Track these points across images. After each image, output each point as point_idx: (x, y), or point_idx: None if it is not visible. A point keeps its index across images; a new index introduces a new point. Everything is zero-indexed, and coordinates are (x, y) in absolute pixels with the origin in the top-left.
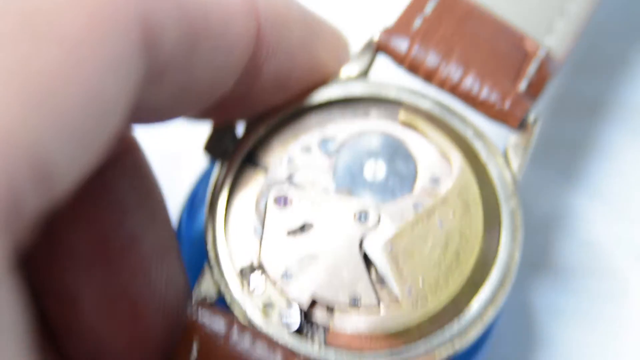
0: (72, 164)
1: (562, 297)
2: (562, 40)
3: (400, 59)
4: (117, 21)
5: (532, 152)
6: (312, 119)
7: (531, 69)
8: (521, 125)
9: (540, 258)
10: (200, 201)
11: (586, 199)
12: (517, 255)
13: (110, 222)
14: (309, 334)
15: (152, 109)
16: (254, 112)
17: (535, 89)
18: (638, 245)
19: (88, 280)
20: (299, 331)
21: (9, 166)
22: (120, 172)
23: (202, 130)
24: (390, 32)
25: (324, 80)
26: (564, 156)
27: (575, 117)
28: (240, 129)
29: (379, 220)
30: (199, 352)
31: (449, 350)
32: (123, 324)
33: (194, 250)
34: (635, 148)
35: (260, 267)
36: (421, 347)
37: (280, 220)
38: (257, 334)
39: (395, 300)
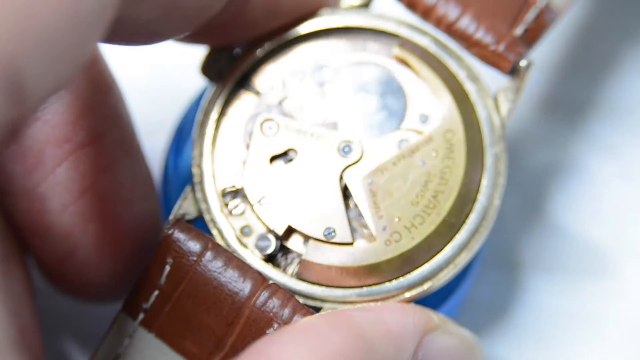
0: (46, 79)
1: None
2: None
3: None
4: None
5: (522, 98)
6: (308, 46)
7: (529, 15)
8: (513, 70)
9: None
10: (189, 132)
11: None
12: (497, 201)
13: (71, 119)
14: (282, 261)
15: (139, 29)
16: (247, 37)
17: (531, 36)
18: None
19: (54, 178)
20: (273, 257)
21: None
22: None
23: (194, 56)
24: None
25: (323, 7)
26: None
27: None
28: (238, 52)
29: (362, 154)
30: (170, 268)
31: (418, 292)
32: (90, 220)
33: (182, 184)
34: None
35: (242, 190)
36: (391, 286)
37: (264, 145)
38: (230, 257)
39: (369, 235)
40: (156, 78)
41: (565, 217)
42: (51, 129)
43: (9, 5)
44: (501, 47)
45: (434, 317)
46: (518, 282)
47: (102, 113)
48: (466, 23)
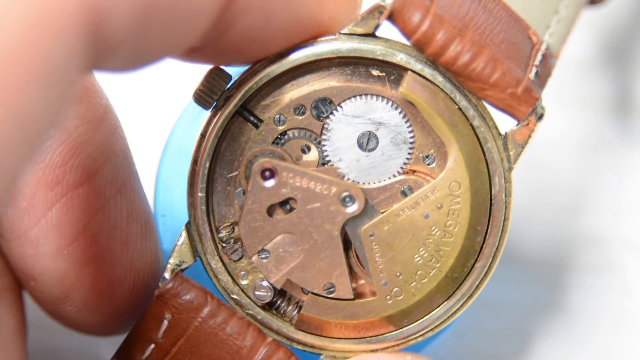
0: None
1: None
2: (558, 39)
3: (409, 31)
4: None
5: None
6: (310, 76)
7: (537, 59)
8: (528, 116)
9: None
10: (180, 151)
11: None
12: (501, 250)
13: (61, 160)
14: (281, 305)
15: (109, 67)
16: (236, 60)
17: (541, 80)
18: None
19: (46, 223)
20: (272, 304)
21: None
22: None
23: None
24: (406, 0)
25: (324, 34)
26: None
27: None
28: (233, 79)
29: (363, 205)
30: (169, 324)
31: (417, 341)
32: (85, 264)
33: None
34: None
35: (240, 240)
36: (390, 337)
37: (263, 194)
38: (230, 313)
39: (370, 290)
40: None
41: None
42: (41, 171)
43: None
44: (520, 91)
45: None
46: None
47: (92, 150)
48: (481, 66)
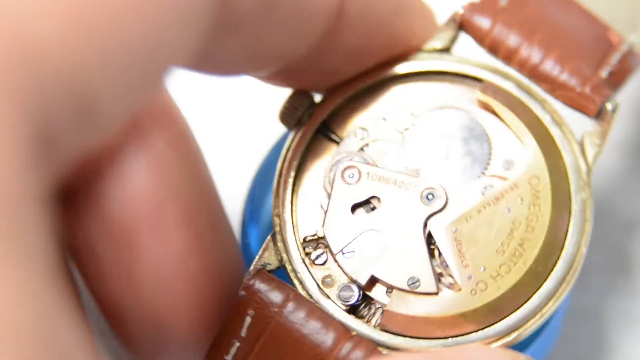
0: (118, 104)
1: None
2: None
3: (481, 37)
4: None
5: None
6: (389, 91)
7: (614, 58)
8: (599, 113)
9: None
10: (268, 180)
11: None
12: (584, 249)
13: (159, 199)
14: (365, 312)
15: (217, 61)
16: (326, 83)
17: (616, 79)
18: None
19: (146, 262)
20: (356, 308)
21: (47, 97)
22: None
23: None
24: (474, 8)
25: (406, 53)
26: None
27: None
28: (317, 99)
29: (446, 202)
30: (252, 320)
31: (504, 342)
32: (184, 305)
33: (262, 233)
34: None
35: (324, 239)
36: (477, 337)
37: (346, 194)
38: (313, 308)
39: (454, 284)
40: (236, 123)
41: None
42: (140, 208)
43: (87, 17)
44: (587, 90)
45: (521, 356)
46: (604, 335)
47: (189, 192)
48: (550, 66)
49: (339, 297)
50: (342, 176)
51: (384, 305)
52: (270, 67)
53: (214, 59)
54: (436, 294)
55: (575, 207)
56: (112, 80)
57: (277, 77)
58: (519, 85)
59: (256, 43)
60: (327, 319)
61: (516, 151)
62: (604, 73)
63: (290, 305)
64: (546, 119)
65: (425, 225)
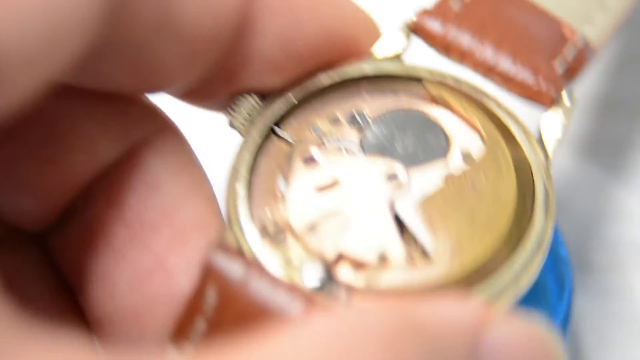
0: (26, 72)
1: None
2: (600, 32)
3: (434, 41)
4: None
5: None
6: (339, 95)
7: (567, 51)
8: (556, 103)
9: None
10: None
11: (634, 196)
12: (550, 231)
13: (139, 199)
14: (332, 293)
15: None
16: (267, 82)
17: (571, 71)
18: None
19: (121, 258)
20: (321, 289)
21: None
22: (153, 151)
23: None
24: (426, 14)
25: (353, 57)
26: (610, 154)
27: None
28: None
29: (409, 180)
30: (215, 297)
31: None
32: (161, 303)
33: None
34: None
35: (285, 222)
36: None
37: (307, 177)
38: (276, 280)
39: (427, 257)
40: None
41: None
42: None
43: None
44: (540, 81)
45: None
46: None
47: (173, 192)
48: (504, 61)
49: (303, 278)
50: (302, 162)
51: (351, 286)
52: (200, 63)
53: (99, 72)
54: (409, 267)
55: (538, 191)
56: (22, 42)
57: (214, 81)
58: (472, 86)
59: (148, 59)
60: (292, 290)
61: (474, 142)
62: (558, 64)
63: (253, 280)
64: (501, 114)
65: (391, 203)
